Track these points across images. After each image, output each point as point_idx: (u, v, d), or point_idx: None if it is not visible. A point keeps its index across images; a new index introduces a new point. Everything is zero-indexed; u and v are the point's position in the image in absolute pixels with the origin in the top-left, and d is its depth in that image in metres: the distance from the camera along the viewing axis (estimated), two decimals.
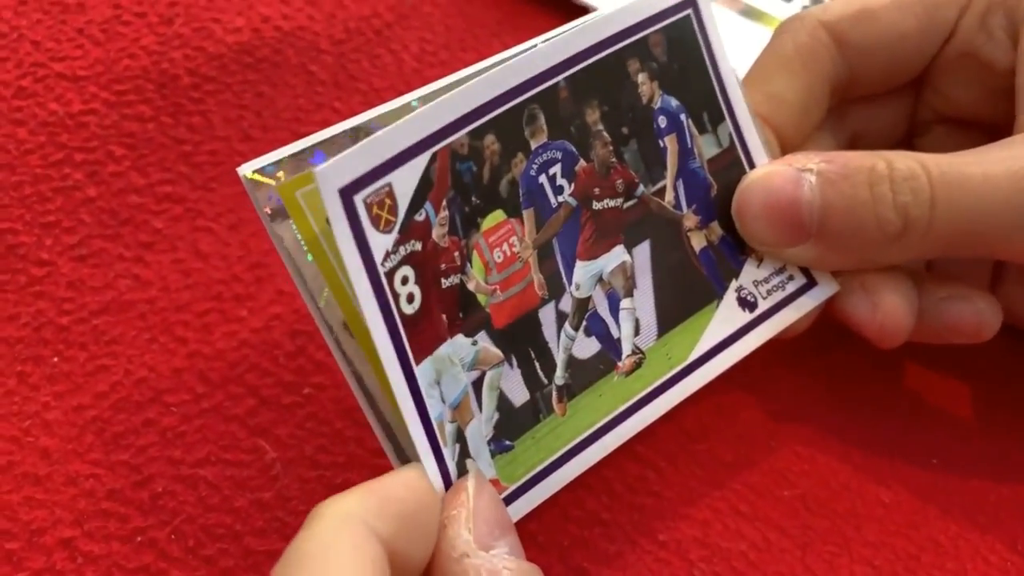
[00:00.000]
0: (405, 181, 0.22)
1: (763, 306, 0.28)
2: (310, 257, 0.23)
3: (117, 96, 0.34)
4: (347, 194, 0.21)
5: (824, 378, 0.32)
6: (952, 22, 0.30)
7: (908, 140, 0.33)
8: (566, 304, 0.26)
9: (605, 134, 0.26)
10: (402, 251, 0.22)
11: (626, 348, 0.27)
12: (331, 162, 0.21)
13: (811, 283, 0.29)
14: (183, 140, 0.33)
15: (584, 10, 0.38)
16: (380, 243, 0.22)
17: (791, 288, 0.29)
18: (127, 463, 0.27)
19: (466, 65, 0.36)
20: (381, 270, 0.22)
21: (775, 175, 0.27)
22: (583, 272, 0.26)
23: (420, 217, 0.23)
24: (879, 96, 0.32)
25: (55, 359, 0.29)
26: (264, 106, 0.35)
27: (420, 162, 0.23)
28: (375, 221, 0.22)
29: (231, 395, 0.29)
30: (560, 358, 0.26)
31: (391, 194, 0.22)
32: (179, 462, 0.27)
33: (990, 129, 0.30)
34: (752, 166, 0.29)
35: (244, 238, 0.32)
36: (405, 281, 0.22)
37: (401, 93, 0.37)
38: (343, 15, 0.38)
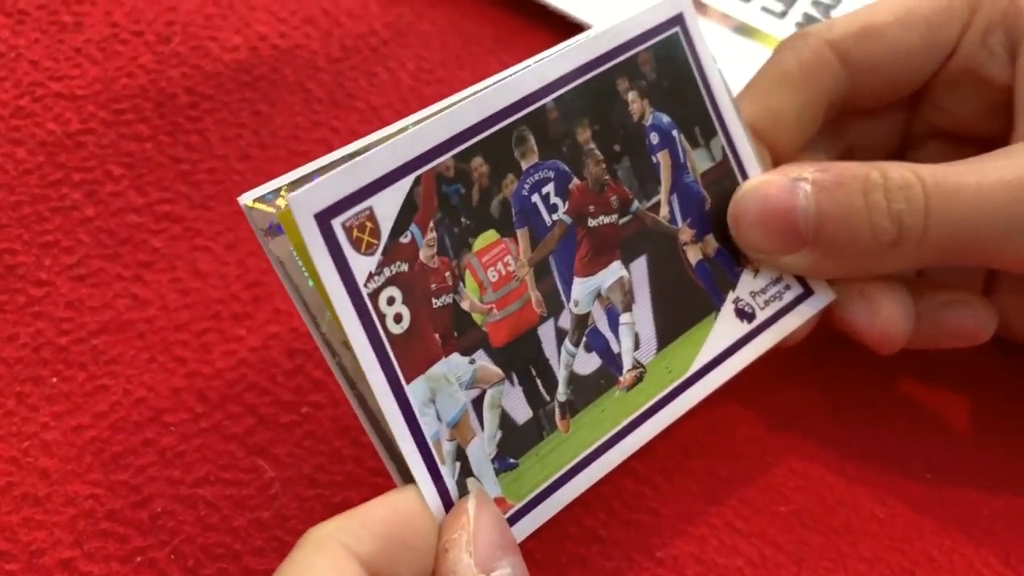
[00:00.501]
0: (387, 204, 0.23)
1: (761, 317, 0.29)
2: (311, 282, 0.23)
3: (115, 115, 0.34)
4: (324, 218, 0.22)
5: (818, 393, 0.32)
6: (954, 40, 0.30)
7: (902, 153, 0.33)
8: (565, 321, 0.26)
9: (597, 152, 0.26)
10: (387, 272, 0.23)
11: (627, 363, 0.27)
12: (305, 188, 0.22)
13: (808, 292, 0.29)
14: (181, 159, 0.34)
15: (579, 27, 0.38)
16: (362, 265, 0.22)
17: (788, 298, 0.29)
18: (126, 483, 0.27)
19: (462, 82, 0.36)
20: (364, 291, 0.22)
21: (770, 184, 0.28)
22: (581, 288, 0.26)
23: (405, 239, 0.23)
24: (876, 110, 0.32)
25: (54, 379, 0.29)
26: (262, 124, 0.35)
27: (402, 186, 0.23)
28: (356, 244, 0.22)
29: (230, 414, 0.29)
30: (561, 375, 0.26)
31: (372, 217, 0.23)
32: (178, 482, 0.28)
33: (984, 145, 0.30)
34: (745, 178, 0.29)
35: (242, 257, 0.32)
36: (391, 302, 0.23)
37: (398, 110, 0.37)
38: (340, 33, 0.38)
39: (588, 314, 0.26)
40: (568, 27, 0.38)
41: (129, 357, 0.29)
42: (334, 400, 0.29)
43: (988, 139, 0.31)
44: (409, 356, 0.23)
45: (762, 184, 0.28)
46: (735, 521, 0.29)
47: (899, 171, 0.27)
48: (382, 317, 0.23)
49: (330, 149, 0.35)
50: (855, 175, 0.27)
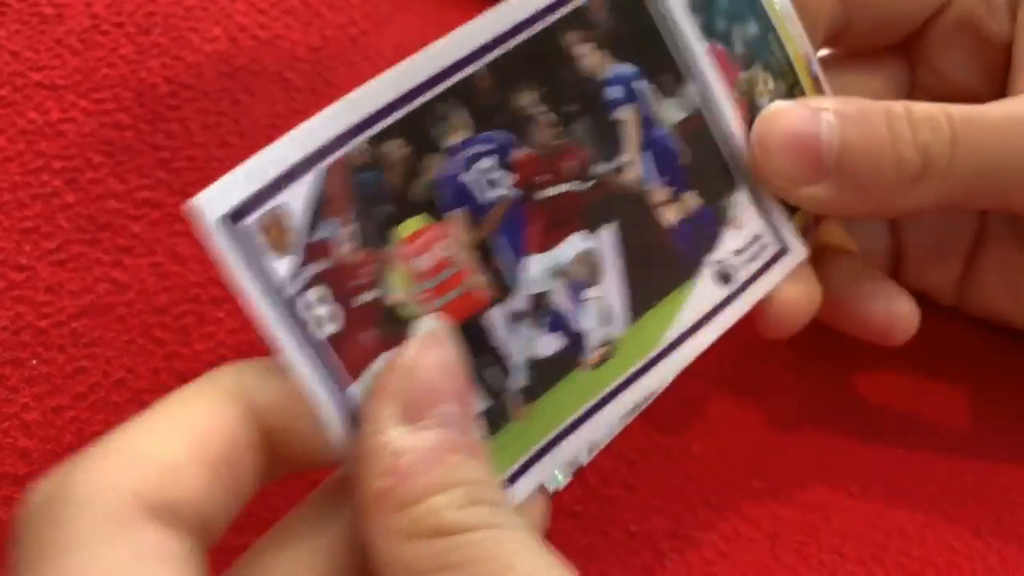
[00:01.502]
0: (298, 199, 0.21)
1: (739, 278, 0.27)
2: None
3: (95, 104, 0.34)
4: (234, 220, 0.21)
5: (791, 370, 0.33)
6: None
7: None
8: (520, 302, 0.24)
9: (547, 116, 0.24)
10: (308, 271, 0.22)
11: (593, 339, 0.25)
12: (208, 190, 0.20)
13: (784, 249, 0.28)
14: (161, 147, 0.34)
15: None
16: (280, 267, 0.21)
17: (765, 256, 0.28)
18: None
19: None
20: (287, 293, 0.21)
21: (792, 110, 0.27)
22: (537, 266, 0.25)
23: (321, 235, 0.22)
24: (872, 69, 0.32)
25: (34, 362, 0.29)
26: (241, 113, 0.35)
27: (311, 178, 0.22)
28: (271, 244, 0.21)
29: None
30: (519, 359, 0.24)
31: (285, 214, 0.21)
32: None
33: None
34: (727, 126, 0.27)
35: None
36: (318, 301, 0.22)
37: None
38: (320, 23, 0.38)
39: (546, 293, 0.25)
40: None
41: (108, 339, 0.30)
42: None
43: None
44: (347, 357, 0.22)
45: (786, 109, 0.27)
46: (709, 496, 0.29)
47: (922, 105, 0.26)
48: (310, 320, 0.22)
49: None
50: (877, 107, 0.26)
